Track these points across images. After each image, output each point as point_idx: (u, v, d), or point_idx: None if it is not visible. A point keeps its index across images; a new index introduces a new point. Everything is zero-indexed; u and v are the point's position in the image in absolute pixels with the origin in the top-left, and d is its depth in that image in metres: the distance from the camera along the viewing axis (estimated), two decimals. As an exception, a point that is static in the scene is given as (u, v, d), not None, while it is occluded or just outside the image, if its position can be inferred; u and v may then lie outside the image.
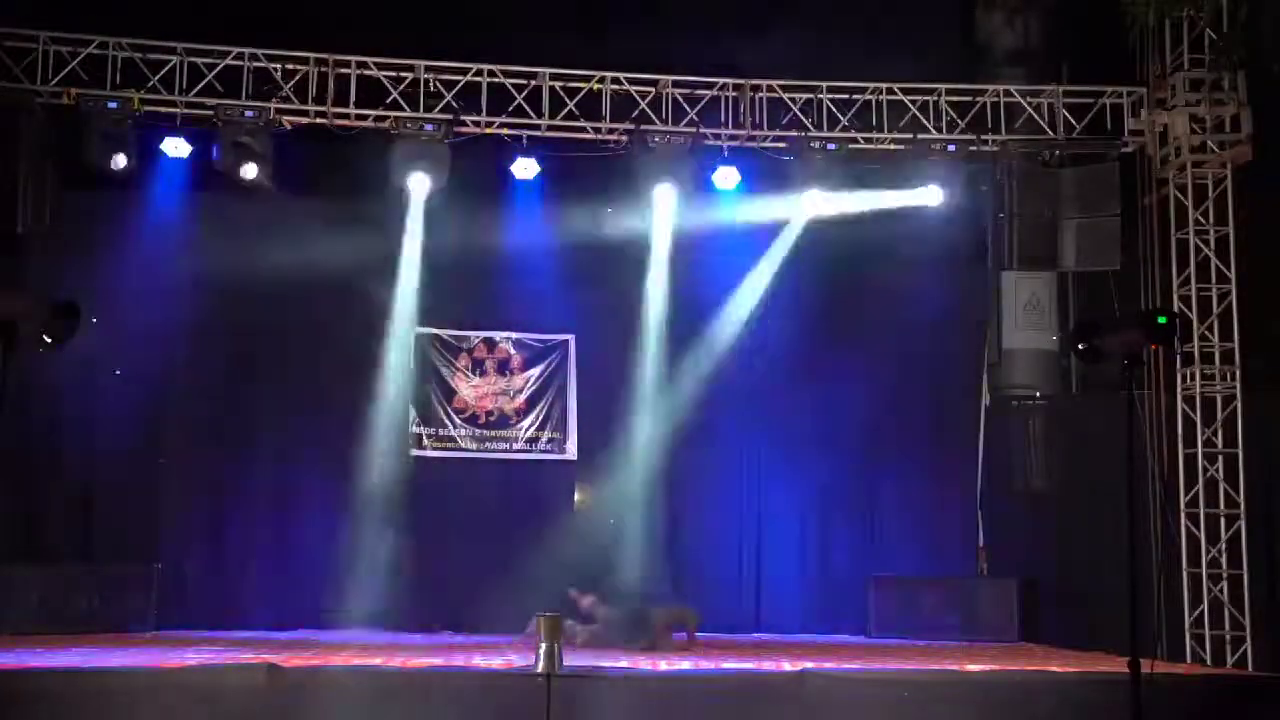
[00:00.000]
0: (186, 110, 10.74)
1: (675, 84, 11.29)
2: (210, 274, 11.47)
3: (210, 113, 10.68)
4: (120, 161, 10.50)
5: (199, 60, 10.75)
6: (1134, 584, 5.59)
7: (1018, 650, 10.39)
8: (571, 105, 11.16)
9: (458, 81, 11.07)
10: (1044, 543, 11.67)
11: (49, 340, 5.32)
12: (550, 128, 11.14)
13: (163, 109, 10.73)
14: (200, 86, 10.72)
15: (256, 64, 10.82)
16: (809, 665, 7.73)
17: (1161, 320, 5.89)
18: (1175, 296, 10.88)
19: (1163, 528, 10.27)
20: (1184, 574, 10.55)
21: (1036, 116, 11.43)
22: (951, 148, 11.24)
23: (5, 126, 10.28)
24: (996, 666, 8.40)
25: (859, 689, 7.29)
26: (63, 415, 11.02)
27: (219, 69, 10.75)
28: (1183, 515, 10.57)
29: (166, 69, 10.68)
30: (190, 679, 7.00)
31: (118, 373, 11.16)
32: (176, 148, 10.79)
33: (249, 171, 10.70)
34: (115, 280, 11.16)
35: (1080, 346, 6.06)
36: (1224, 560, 10.56)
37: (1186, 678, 8.09)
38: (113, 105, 10.43)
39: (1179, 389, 10.85)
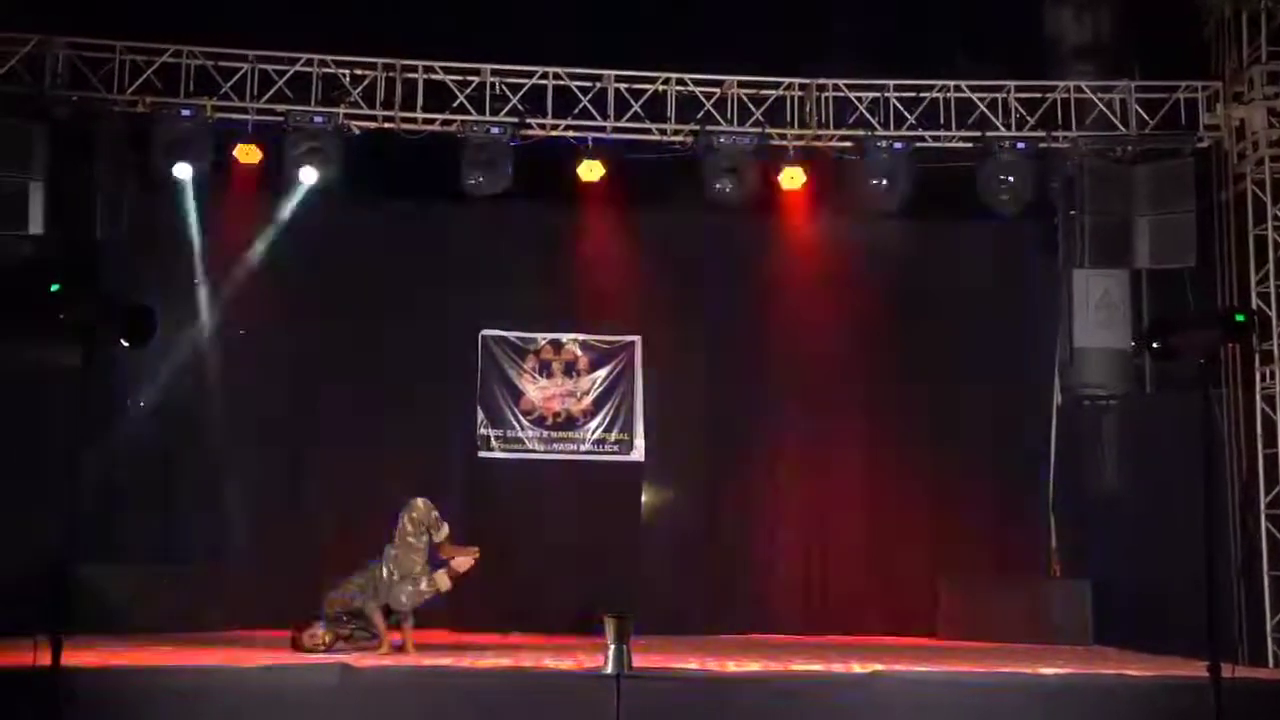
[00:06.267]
0: (257, 117, 10.90)
1: (740, 84, 11.25)
2: (279, 277, 11.66)
3: (280, 118, 10.83)
4: (193, 167, 10.71)
5: (269, 67, 10.91)
6: (1212, 587, 5.47)
7: (1092, 653, 10.23)
8: (636, 107, 11.17)
9: (523, 85, 11.12)
10: (1118, 545, 11.46)
11: (126, 344, 5.43)
12: (615, 129, 11.15)
13: (234, 115, 10.89)
14: (270, 93, 10.88)
15: (325, 70, 10.96)
16: (878, 667, 7.67)
17: (1239, 318, 5.78)
18: (1254, 294, 10.65)
19: (1242, 529, 10.05)
20: (1265, 576, 10.32)
21: (1108, 112, 11.24)
22: (1021, 145, 11.09)
23: (83, 135, 10.51)
24: (1072, 670, 8.27)
25: (929, 691, 7.22)
26: (137, 417, 11.21)
27: (289, 75, 10.90)
28: (1263, 517, 10.33)
29: (238, 76, 10.84)
30: (263, 678, 7.08)
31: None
32: (248, 154, 10.95)
33: (318, 176, 10.84)
34: (189, 284, 11.40)
35: (1154, 345, 5.95)
36: (1305, 563, 10.31)
37: (1268, 683, 7.92)
38: (186, 113, 10.62)
39: (1258, 388, 10.61)
